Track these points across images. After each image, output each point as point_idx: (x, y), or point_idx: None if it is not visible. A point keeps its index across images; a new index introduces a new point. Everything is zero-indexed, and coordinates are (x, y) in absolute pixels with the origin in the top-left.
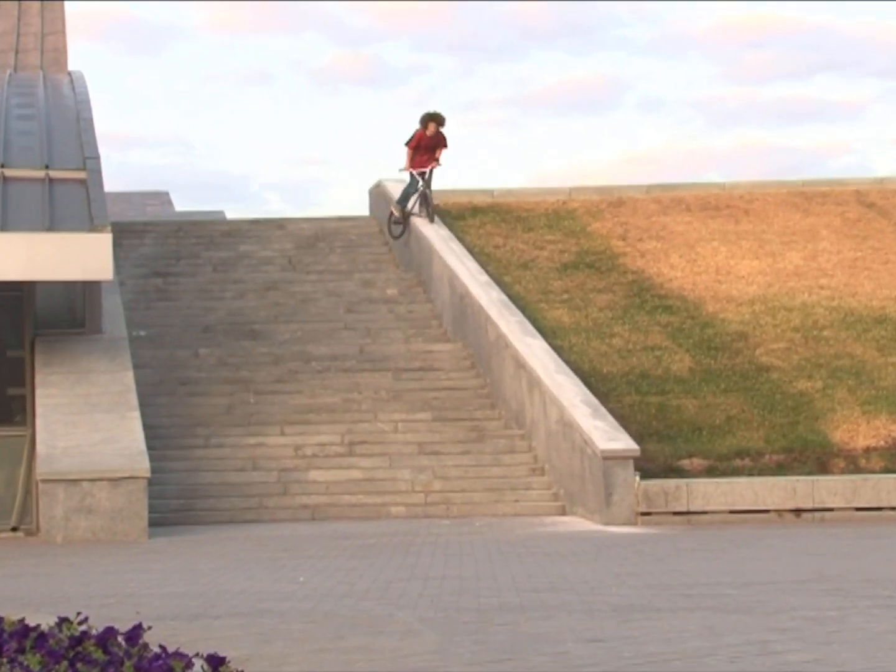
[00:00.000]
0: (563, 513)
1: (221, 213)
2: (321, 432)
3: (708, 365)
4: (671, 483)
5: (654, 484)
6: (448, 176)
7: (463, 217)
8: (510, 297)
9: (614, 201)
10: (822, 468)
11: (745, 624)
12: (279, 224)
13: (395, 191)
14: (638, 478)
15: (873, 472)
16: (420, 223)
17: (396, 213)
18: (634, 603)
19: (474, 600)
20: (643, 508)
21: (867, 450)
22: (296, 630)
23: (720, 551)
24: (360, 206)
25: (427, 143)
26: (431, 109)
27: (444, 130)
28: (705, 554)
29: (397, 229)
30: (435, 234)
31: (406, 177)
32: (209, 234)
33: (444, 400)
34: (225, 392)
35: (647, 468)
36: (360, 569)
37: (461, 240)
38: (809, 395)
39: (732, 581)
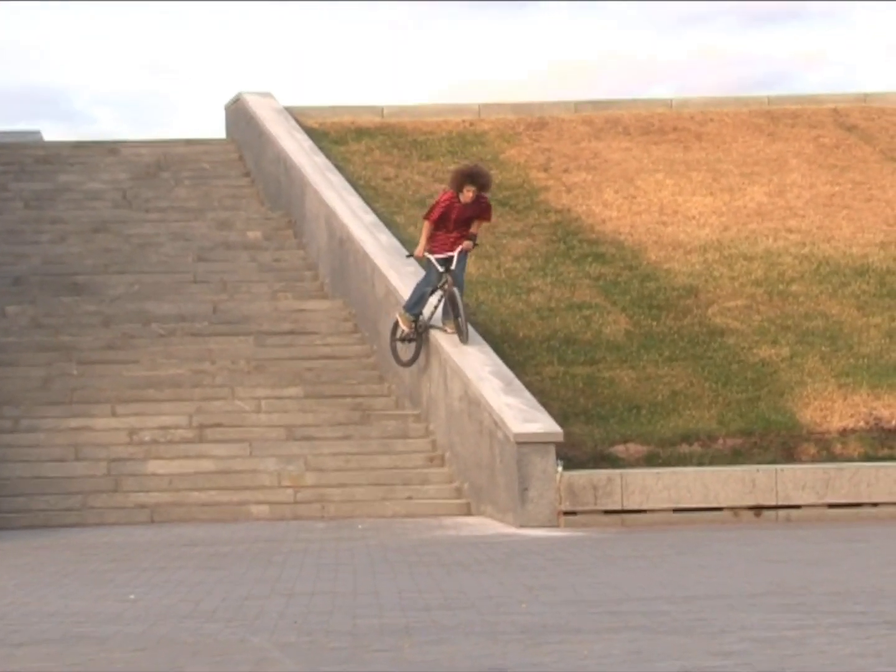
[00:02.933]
0: (468, 512)
1: (37, 133)
2: (163, 412)
3: (649, 327)
4: (601, 475)
5: (581, 476)
6: (327, 89)
7: (345, 141)
8: (403, 242)
9: (534, 122)
10: (789, 455)
11: (682, 647)
12: (111, 148)
13: (269, 119)
14: (560, 468)
15: (850, 459)
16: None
17: (405, 327)
18: (548, 623)
19: (349, 621)
20: (566, 506)
21: (843, 432)
22: (119, 660)
23: (659, 559)
24: (214, 128)
25: (460, 216)
26: (470, 163)
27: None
28: (641, 562)
29: (406, 351)
30: (309, 161)
31: (413, 269)
32: (20, 159)
33: (319, 372)
34: (40, 361)
35: (573, 456)
36: (209, 583)
37: (342, 169)
38: (773, 365)
39: (671, 595)
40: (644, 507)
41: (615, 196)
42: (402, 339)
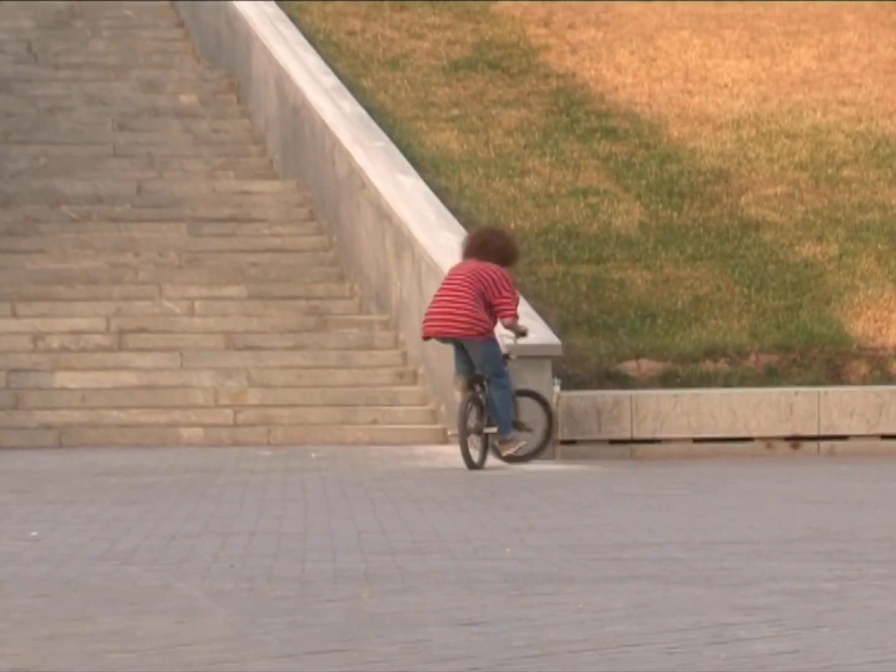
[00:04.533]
0: (444, 440)
1: None
2: (75, 314)
3: (668, 219)
4: (607, 397)
5: (582, 398)
6: None
7: None
8: (371, 111)
9: None
10: (834, 376)
11: (698, 600)
12: None
13: None
14: (558, 388)
15: None
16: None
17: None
18: (537, 571)
19: (296, 566)
20: (565, 434)
21: None
22: (17, 607)
23: (675, 498)
24: None
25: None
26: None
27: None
28: (652, 501)
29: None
30: (257, 11)
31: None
32: None
33: (266, 267)
34: None
35: (573, 374)
36: (128, 520)
37: (297, 20)
38: (819, 266)
39: (687, 540)
40: (658, 436)
41: (630, 58)
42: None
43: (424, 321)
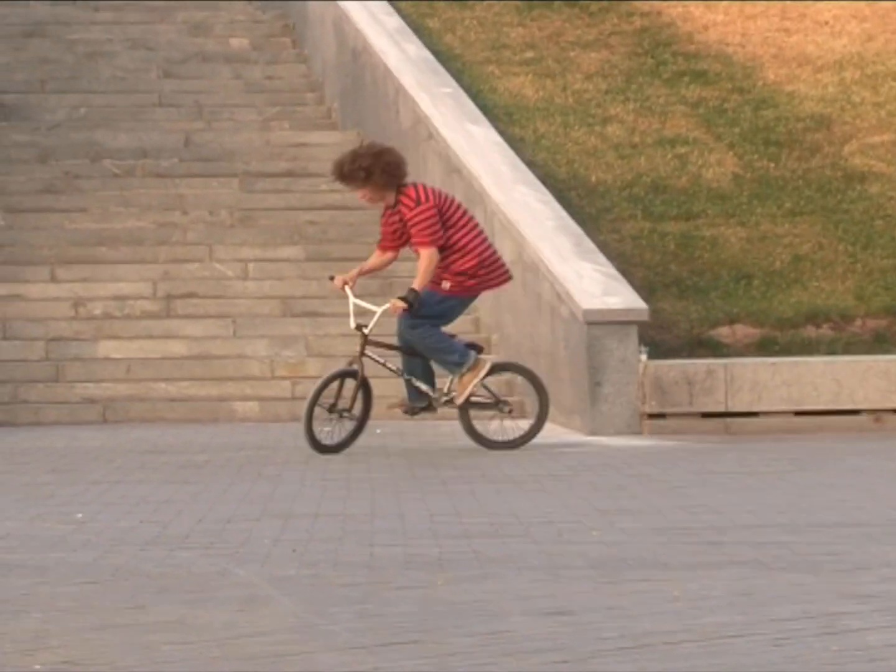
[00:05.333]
0: (522, 413)
1: None
2: (119, 278)
3: (764, 171)
4: (699, 366)
5: (672, 367)
6: None
7: None
8: (438, 54)
9: None
10: None
11: (805, 588)
12: None
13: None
14: (645, 357)
15: None
16: None
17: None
18: (627, 556)
19: (364, 550)
20: (652, 407)
21: None
22: (64, 595)
23: (775, 476)
24: None
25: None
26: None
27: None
28: (750, 480)
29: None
30: None
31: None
32: None
33: (325, 226)
34: None
35: (661, 341)
36: (179, 501)
37: None
38: None
39: (790, 523)
40: (755, 408)
41: None
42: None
43: (501, 266)
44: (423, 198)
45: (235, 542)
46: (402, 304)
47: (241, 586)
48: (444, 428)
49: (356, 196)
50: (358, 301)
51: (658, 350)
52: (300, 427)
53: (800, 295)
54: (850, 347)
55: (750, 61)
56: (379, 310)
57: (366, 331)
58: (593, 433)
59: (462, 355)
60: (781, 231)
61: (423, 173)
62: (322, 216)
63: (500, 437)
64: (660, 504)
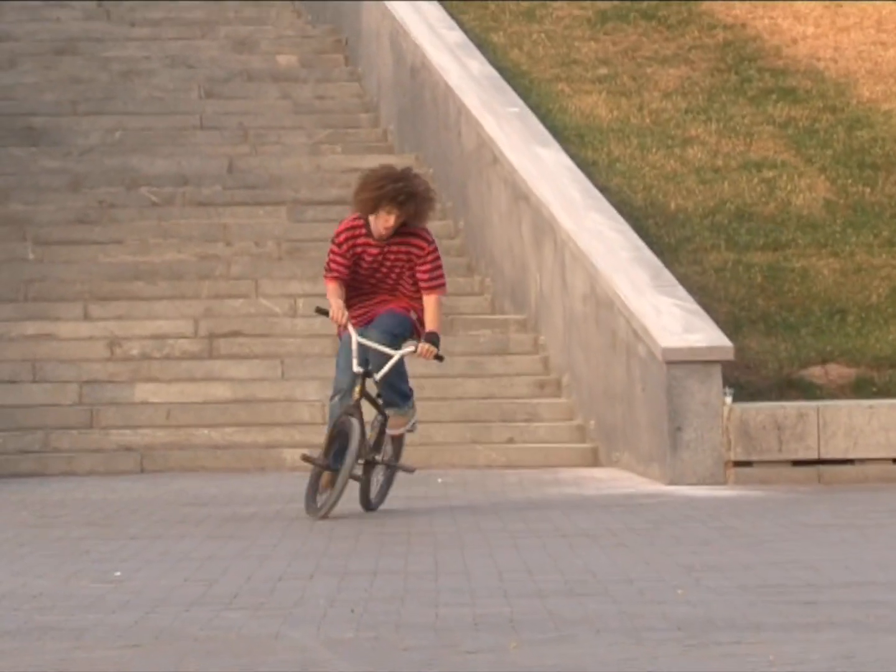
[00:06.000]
0: (595, 462)
1: None
2: (158, 315)
3: (859, 196)
4: (789, 409)
5: (760, 410)
6: None
7: None
8: (503, 71)
9: None
10: None
11: None
12: None
13: None
14: (730, 400)
15: None
16: None
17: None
18: (715, 616)
19: (429, 611)
20: (738, 454)
21: None
22: (103, 660)
23: (874, 529)
24: None
25: (375, 262)
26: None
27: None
28: (847, 534)
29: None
30: None
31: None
32: None
33: None
34: None
35: (747, 382)
36: (225, 558)
37: None
38: None
39: (893, 580)
40: (851, 455)
41: (812, 4)
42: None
43: None
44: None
45: (288, 603)
46: (434, 350)
47: (296, 650)
48: (511, 478)
49: (377, 218)
50: (368, 341)
51: (744, 392)
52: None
53: None
54: None
55: (843, 77)
56: (397, 353)
57: (378, 376)
58: (674, 483)
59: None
60: (878, 262)
61: (488, 200)
62: None
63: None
64: (748, 560)
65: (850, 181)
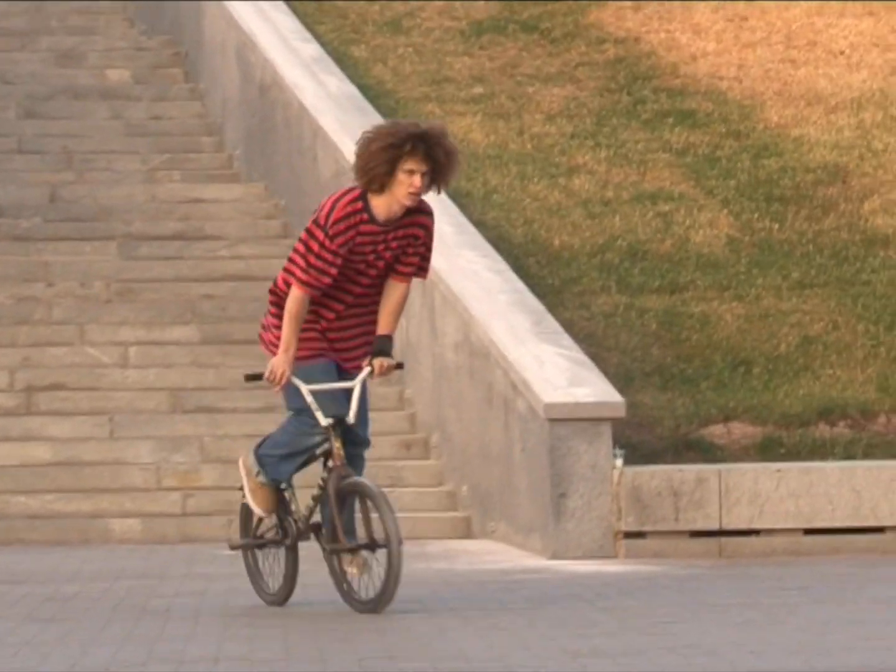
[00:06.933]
0: (468, 533)
1: None
2: None
3: (766, 233)
4: (688, 473)
5: (654, 474)
6: None
7: None
8: (365, 89)
9: None
10: None
11: None
12: None
13: None
14: (620, 462)
15: None
16: None
17: (259, 509)
18: None
19: None
20: (630, 524)
21: None
22: None
23: (783, 609)
24: None
25: (373, 254)
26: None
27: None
28: (752, 614)
29: (275, 565)
30: None
31: None
32: None
33: (225, 301)
34: None
35: (641, 443)
36: (46, 644)
37: None
38: None
39: (805, 667)
40: (756, 525)
41: (713, 17)
42: (262, 540)
43: None
44: None
45: None
46: (391, 362)
47: None
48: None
49: (395, 184)
50: (317, 385)
51: (636, 454)
52: (192, 550)
53: (810, 386)
54: (872, 450)
55: (748, 99)
56: (357, 383)
57: (351, 418)
58: (557, 556)
59: None
60: (787, 307)
61: None
62: (220, 289)
63: None
64: (641, 644)
65: (755, 216)
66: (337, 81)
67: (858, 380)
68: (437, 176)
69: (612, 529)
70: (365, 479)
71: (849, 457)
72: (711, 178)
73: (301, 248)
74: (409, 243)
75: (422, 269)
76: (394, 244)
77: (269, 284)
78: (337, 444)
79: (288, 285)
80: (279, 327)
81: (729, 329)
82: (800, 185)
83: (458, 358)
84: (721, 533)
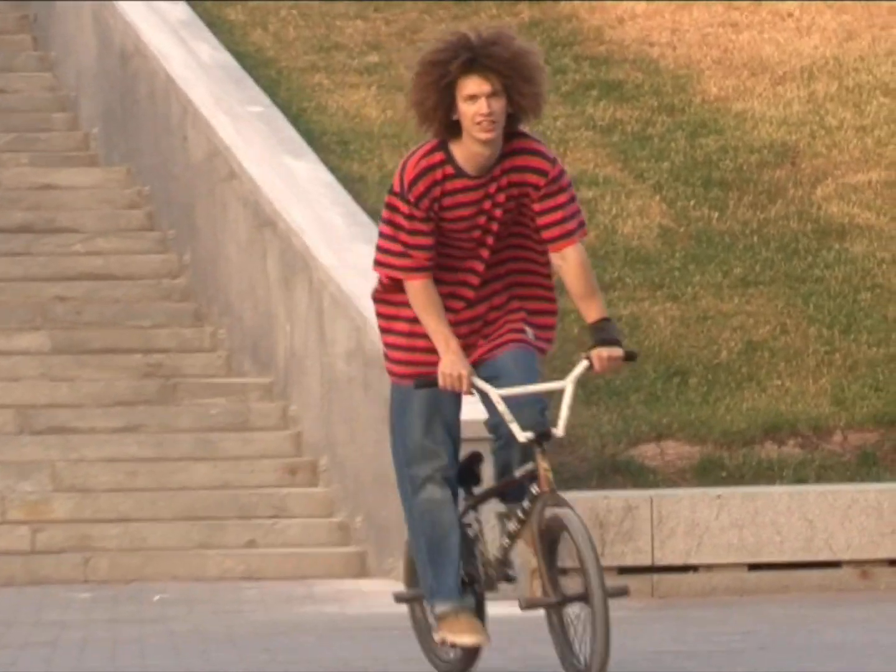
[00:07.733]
0: (362, 570)
1: None
2: None
3: (705, 223)
4: (615, 500)
5: (576, 501)
6: None
7: None
8: (242, 57)
9: None
10: None
11: None
12: None
13: None
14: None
15: None
16: None
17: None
18: None
19: None
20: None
21: None
22: None
23: (723, 657)
24: None
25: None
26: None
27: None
28: (689, 663)
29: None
30: None
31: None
32: None
33: (81, 304)
34: None
35: (562, 465)
36: None
37: None
38: None
39: None
40: (694, 560)
41: None
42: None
43: None
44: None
45: None
46: (617, 353)
47: None
48: (251, 592)
49: (464, 108)
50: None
51: (557, 478)
52: (42, 592)
53: (755, 399)
54: (825, 473)
55: (683, 69)
56: (569, 382)
57: (560, 431)
58: None
59: None
60: (729, 308)
61: (223, 226)
62: (75, 289)
63: None
64: None
65: (692, 203)
66: (209, 49)
67: (810, 392)
68: (513, 94)
69: (528, 567)
70: (574, 512)
71: (799, 480)
72: (641, 159)
73: (388, 230)
74: (526, 193)
75: (568, 227)
76: (500, 197)
77: (132, 285)
78: (544, 465)
79: (394, 280)
80: (410, 334)
81: (662, 334)
82: (742, 167)
83: (351, 368)
84: (653, 569)
